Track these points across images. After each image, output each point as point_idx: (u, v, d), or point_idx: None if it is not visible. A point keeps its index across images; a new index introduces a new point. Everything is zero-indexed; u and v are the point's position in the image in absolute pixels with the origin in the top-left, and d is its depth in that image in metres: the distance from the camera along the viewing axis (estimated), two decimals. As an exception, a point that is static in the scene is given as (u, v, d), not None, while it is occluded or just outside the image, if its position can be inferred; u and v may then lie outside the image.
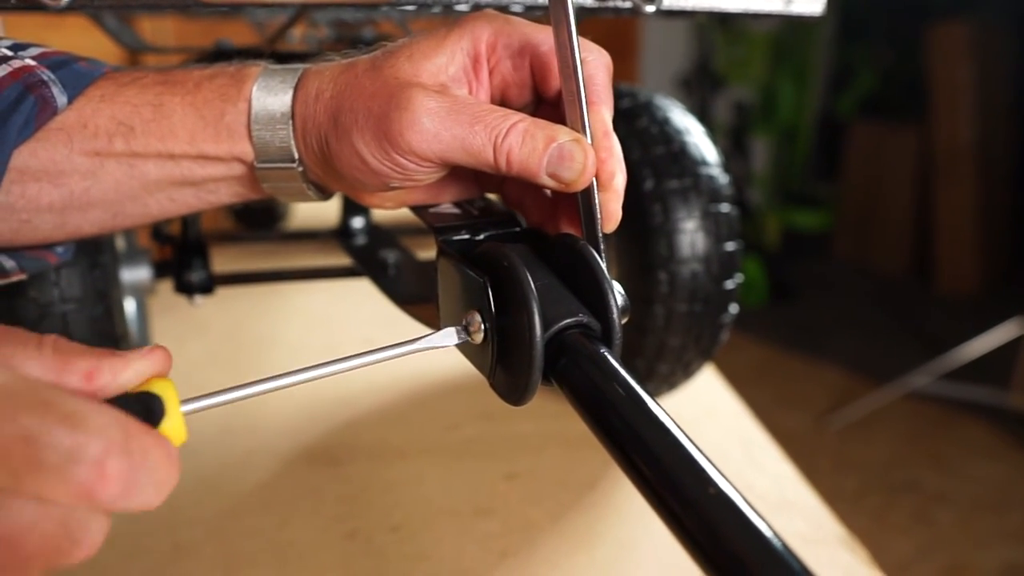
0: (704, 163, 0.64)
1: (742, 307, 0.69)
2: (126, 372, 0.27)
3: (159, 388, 0.28)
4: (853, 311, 2.94)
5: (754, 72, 3.14)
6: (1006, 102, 2.94)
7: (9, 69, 0.36)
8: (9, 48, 0.38)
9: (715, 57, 3.20)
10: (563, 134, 0.35)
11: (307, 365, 0.32)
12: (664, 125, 0.65)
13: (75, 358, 0.27)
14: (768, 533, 0.23)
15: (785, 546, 0.23)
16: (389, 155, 0.35)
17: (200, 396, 0.29)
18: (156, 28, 1.41)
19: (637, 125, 0.65)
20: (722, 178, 0.64)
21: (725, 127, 3.32)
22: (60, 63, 0.38)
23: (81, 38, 1.00)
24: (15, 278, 0.42)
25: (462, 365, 0.38)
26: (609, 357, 0.31)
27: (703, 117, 3.16)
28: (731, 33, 3.13)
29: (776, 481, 0.72)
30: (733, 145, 3.32)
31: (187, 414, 0.28)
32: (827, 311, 2.95)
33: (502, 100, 0.39)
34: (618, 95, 0.67)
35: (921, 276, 3.08)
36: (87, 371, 0.27)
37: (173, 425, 0.27)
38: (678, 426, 0.28)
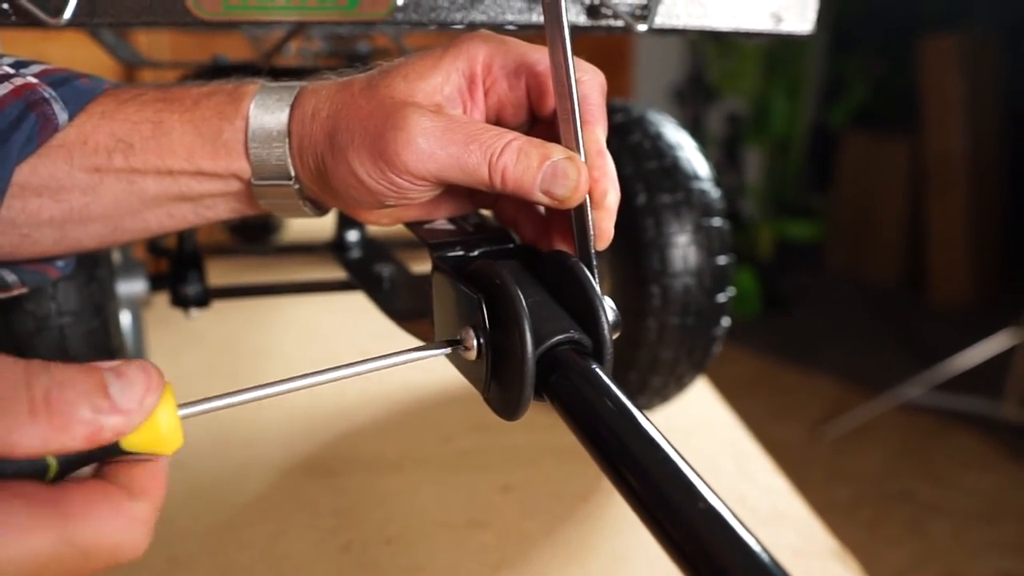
0: (696, 177, 0.65)
1: (735, 318, 0.70)
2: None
3: None
4: (846, 322, 2.95)
5: (747, 84, 3.16)
6: (997, 113, 2.96)
7: (11, 87, 0.36)
8: (11, 66, 0.38)
9: (708, 69, 3.22)
10: (557, 152, 0.35)
11: (303, 373, 0.32)
12: (657, 140, 0.66)
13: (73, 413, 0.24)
14: (756, 548, 0.24)
15: (773, 560, 0.23)
16: (385, 174, 0.36)
17: (197, 401, 0.29)
18: (152, 42, 1.42)
19: (630, 140, 0.66)
20: (714, 192, 0.65)
21: (718, 138, 3.34)
22: (61, 80, 0.38)
23: (78, 51, 1.00)
24: (16, 292, 0.43)
25: (456, 377, 0.38)
26: (600, 373, 0.32)
27: (696, 129, 3.17)
28: (724, 45, 3.15)
29: (768, 493, 0.72)
30: (726, 156, 3.34)
31: (184, 418, 0.28)
32: (820, 322, 2.95)
33: (497, 119, 0.39)
34: (611, 110, 0.67)
35: (914, 286, 3.09)
36: (87, 435, 0.24)
37: (170, 430, 0.27)
38: (668, 441, 0.28)
